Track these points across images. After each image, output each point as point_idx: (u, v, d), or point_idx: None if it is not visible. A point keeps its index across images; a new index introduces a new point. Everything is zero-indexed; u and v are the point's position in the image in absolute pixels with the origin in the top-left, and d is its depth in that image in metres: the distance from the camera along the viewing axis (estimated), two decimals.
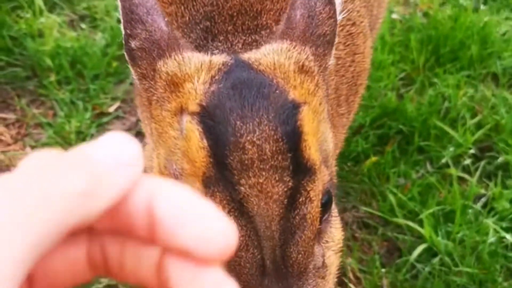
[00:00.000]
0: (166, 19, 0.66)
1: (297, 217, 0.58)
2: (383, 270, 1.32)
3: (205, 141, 0.59)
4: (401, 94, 1.69)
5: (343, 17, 0.71)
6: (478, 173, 1.48)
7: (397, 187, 1.44)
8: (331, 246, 0.65)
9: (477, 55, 1.74)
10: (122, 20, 0.66)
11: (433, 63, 1.74)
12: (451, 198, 1.40)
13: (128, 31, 0.66)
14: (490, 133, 1.58)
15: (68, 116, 1.59)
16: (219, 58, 0.64)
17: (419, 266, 1.31)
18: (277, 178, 0.57)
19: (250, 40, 0.75)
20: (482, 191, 1.45)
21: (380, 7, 1.20)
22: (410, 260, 1.31)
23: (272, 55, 0.64)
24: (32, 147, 1.56)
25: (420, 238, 1.35)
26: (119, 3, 0.66)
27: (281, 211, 0.57)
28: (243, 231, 0.57)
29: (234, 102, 0.59)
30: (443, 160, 1.50)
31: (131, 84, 1.59)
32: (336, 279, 0.68)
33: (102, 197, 0.24)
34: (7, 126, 1.61)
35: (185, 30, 0.78)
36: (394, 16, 1.89)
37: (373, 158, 1.49)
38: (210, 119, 0.59)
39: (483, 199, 1.44)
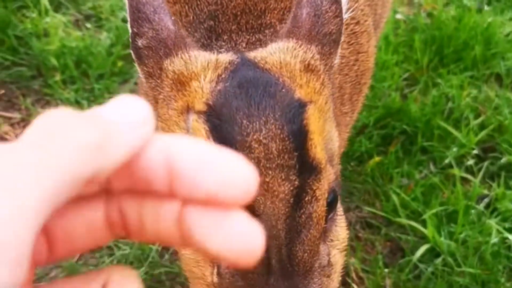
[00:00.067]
0: (173, 18, 0.66)
1: (303, 216, 0.58)
2: (386, 270, 1.32)
3: (211, 140, 0.59)
4: (405, 94, 1.69)
5: (345, 18, 0.71)
6: (481, 173, 1.48)
7: (400, 187, 1.44)
8: (336, 245, 0.65)
9: (480, 55, 1.74)
10: (129, 19, 0.66)
11: (436, 63, 1.74)
12: (454, 198, 1.40)
13: (135, 30, 0.66)
14: (494, 133, 1.58)
15: None
16: (226, 57, 0.65)
17: (422, 266, 1.32)
18: (283, 177, 0.57)
19: (254, 39, 0.75)
20: (485, 191, 1.45)
21: (384, 6, 1.20)
22: (413, 260, 1.31)
23: (278, 53, 0.65)
24: None
25: (423, 238, 1.35)
26: (126, 2, 0.66)
27: (287, 210, 0.58)
28: None
29: (240, 101, 0.59)
30: (447, 161, 1.50)
31: (136, 83, 1.59)
32: (340, 278, 0.68)
33: (114, 151, 0.25)
34: (12, 125, 1.62)
35: (189, 29, 0.79)
36: (398, 16, 1.89)
37: (377, 158, 1.50)
38: (217, 118, 0.59)
39: (486, 200, 1.44)
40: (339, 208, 0.68)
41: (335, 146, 0.69)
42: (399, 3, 1.94)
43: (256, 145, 0.58)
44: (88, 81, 1.69)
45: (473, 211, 1.40)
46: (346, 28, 0.91)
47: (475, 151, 1.53)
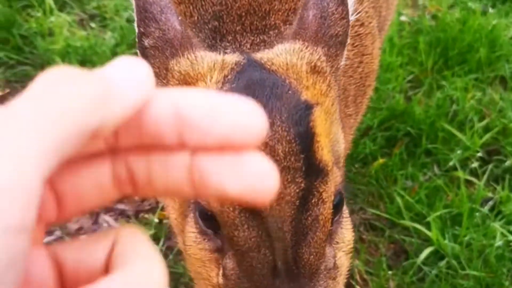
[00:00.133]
0: (179, 18, 0.66)
1: (309, 218, 0.58)
2: (389, 272, 1.31)
3: None
4: (409, 96, 1.69)
5: (351, 20, 0.71)
6: (485, 176, 1.48)
7: (404, 190, 1.44)
8: (341, 247, 0.65)
9: (485, 58, 1.73)
10: (135, 18, 0.66)
11: (441, 65, 1.74)
12: (459, 201, 1.40)
13: (141, 29, 0.66)
14: (498, 136, 1.58)
15: None
16: (232, 58, 0.64)
17: (426, 268, 1.31)
18: (289, 179, 0.57)
19: (258, 40, 0.75)
20: (490, 194, 1.45)
21: (389, 8, 1.20)
22: (417, 263, 1.31)
23: (285, 55, 0.64)
24: None
25: (427, 241, 1.35)
26: (133, 1, 0.66)
27: (293, 212, 0.57)
28: (255, 232, 0.57)
29: None
30: (451, 163, 1.50)
31: None
32: (345, 281, 0.68)
33: (116, 104, 0.25)
34: None
35: (194, 29, 0.78)
36: (403, 18, 1.89)
37: (381, 160, 1.49)
38: None
39: (491, 203, 1.44)
40: (345, 210, 0.67)
41: (341, 148, 0.69)
42: (404, 5, 1.94)
43: (262, 147, 0.57)
44: None
45: (477, 213, 1.39)
46: (351, 30, 0.91)
47: (479, 154, 1.53)
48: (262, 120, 0.26)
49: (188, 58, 0.65)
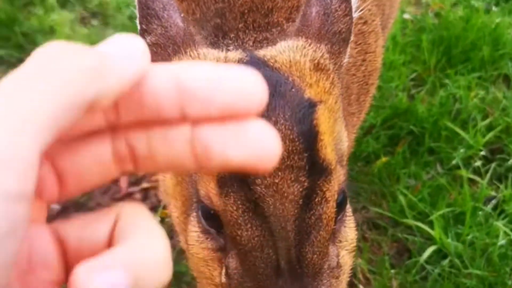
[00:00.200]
0: (182, 15, 0.65)
1: (312, 217, 0.58)
2: (392, 271, 1.31)
3: None
4: (412, 94, 1.68)
5: (355, 17, 0.70)
6: (488, 175, 1.47)
7: (407, 188, 1.43)
8: (345, 246, 0.64)
9: (488, 56, 1.73)
10: (138, 15, 0.66)
11: (444, 64, 1.73)
12: (462, 200, 1.39)
13: (143, 26, 0.65)
14: (501, 135, 1.57)
15: None
16: (235, 55, 0.64)
17: (428, 267, 1.31)
18: (292, 178, 0.57)
19: (261, 37, 0.75)
20: (493, 193, 1.44)
21: (392, 6, 1.19)
22: (420, 262, 1.31)
23: (288, 52, 0.64)
24: None
25: (430, 240, 1.35)
26: None
27: (296, 211, 0.57)
28: (258, 231, 0.57)
29: None
30: (454, 162, 1.49)
31: None
32: (348, 279, 0.68)
33: (112, 77, 0.25)
34: None
35: (196, 27, 0.78)
36: (406, 16, 1.88)
37: (384, 159, 1.49)
38: None
39: (494, 201, 1.43)
40: (348, 209, 0.67)
41: (345, 146, 0.68)
42: (407, 3, 1.93)
43: None
44: None
45: (480, 212, 1.39)
46: (354, 28, 0.90)
47: (482, 152, 1.52)
48: (263, 87, 0.27)
49: (190, 55, 0.64)
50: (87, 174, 0.28)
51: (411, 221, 1.37)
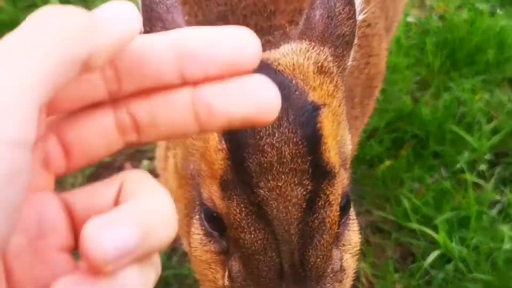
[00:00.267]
0: (186, 18, 0.65)
1: (316, 221, 0.57)
2: (396, 275, 1.30)
3: (223, 143, 0.58)
4: (416, 98, 1.67)
5: (359, 20, 0.70)
6: (493, 179, 1.47)
7: (411, 192, 1.43)
8: (348, 249, 0.64)
9: (493, 59, 1.72)
10: (141, 18, 0.66)
11: (448, 67, 1.72)
12: (466, 203, 1.39)
13: (147, 29, 0.65)
14: (506, 138, 1.56)
15: None
16: None
17: (433, 272, 1.30)
18: (296, 182, 0.57)
19: (263, 41, 0.75)
20: (498, 197, 1.44)
21: (396, 9, 1.19)
22: (424, 266, 1.30)
23: (291, 55, 0.64)
24: None
25: (434, 244, 1.34)
26: (139, 0, 0.66)
27: (299, 214, 0.57)
28: (261, 234, 0.57)
29: None
30: (458, 165, 1.49)
31: None
32: (351, 283, 0.67)
33: (104, 35, 0.26)
34: None
35: None
36: (410, 19, 1.88)
37: (387, 162, 1.48)
38: None
39: (498, 205, 1.42)
40: (352, 212, 0.67)
41: (348, 149, 0.68)
42: (411, 6, 1.92)
43: (269, 149, 0.57)
44: None
45: (485, 216, 1.38)
46: (358, 31, 0.90)
47: (487, 156, 1.51)
48: (257, 42, 0.28)
49: None
50: (92, 145, 0.29)
51: (415, 225, 1.36)
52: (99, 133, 0.29)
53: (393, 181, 1.46)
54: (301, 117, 0.58)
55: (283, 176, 0.57)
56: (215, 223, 0.61)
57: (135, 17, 0.27)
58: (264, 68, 0.62)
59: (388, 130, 1.56)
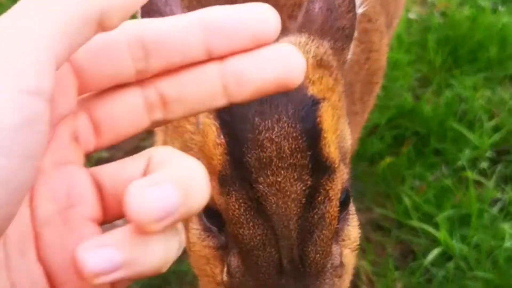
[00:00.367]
0: (185, 11, 0.65)
1: (315, 216, 0.57)
2: (396, 273, 1.30)
3: (222, 137, 0.57)
4: (418, 95, 1.67)
5: (358, 13, 0.70)
6: (494, 176, 1.46)
7: (412, 189, 1.42)
8: (348, 244, 0.64)
9: (495, 56, 1.71)
10: (140, 11, 0.65)
11: (450, 64, 1.72)
12: (467, 201, 1.38)
13: None
14: (508, 136, 1.55)
15: None
16: None
17: (433, 270, 1.30)
18: (295, 177, 0.56)
19: None
20: (499, 195, 1.43)
21: (397, 5, 1.18)
22: (425, 264, 1.29)
23: None
24: None
25: (435, 242, 1.33)
26: None
27: (299, 210, 0.56)
28: (260, 230, 0.56)
29: None
30: (459, 163, 1.48)
31: None
32: (351, 278, 0.67)
33: None
34: None
35: None
36: (411, 15, 1.87)
37: (388, 159, 1.48)
38: (228, 115, 0.58)
39: (500, 203, 1.42)
40: (351, 207, 0.66)
41: (348, 144, 0.67)
42: (412, 2, 1.92)
43: (268, 144, 0.56)
44: None
45: (486, 214, 1.37)
46: (358, 26, 0.89)
47: (488, 154, 1.51)
48: (277, 16, 0.30)
49: None
50: (121, 123, 0.30)
51: (415, 223, 1.36)
52: (128, 110, 0.30)
53: (394, 178, 1.45)
54: (301, 111, 0.57)
55: (282, 171, 0.56)
56: (214, 218, 0.61)
57: None
58: None
59: (389, 127, 1.55)
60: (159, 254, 0.25)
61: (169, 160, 0.27)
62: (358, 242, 0.65)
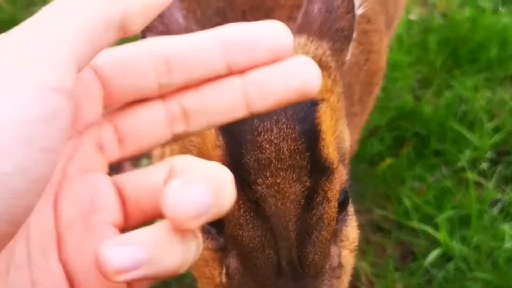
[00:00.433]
0: (184, 13, 0.65)
1: (314, 217, 0.57)
2: (396, 274, 1.30)
3: (221, 139, 0.57)
4: (418, 96, 1.67)
5: (357, 14, 0.70)
6: (494, 177, 1.46)
7: (412, 190, 1.42)
8: (346, 245, 0.64)
9: (495, 57, 1.71)
10: None
11: (450, 64, 1.71)
12: (467, 202, 1.38)
13: None
14: (508, 137, 1.55)
15: None
16: None
17: (433, 271, 1.29)
18: (294, 178, 0.56)
19: None
20: (499, 196, 1.43)
21: (397, 6, 1.18)
22: (425, 265, 1.29)
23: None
24: None
25: (435, 243, 1.33)
26: None
27: (298, 211, 0.56)
28: (259, 231, 0.56)
29: None
30: (460, 164, 1.48)
31: None
32: (349, 279, 0.67)
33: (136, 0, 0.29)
34: None
35: (197, 26, 0.77)
36: (412, 16, 1.87)
37: (388, 160, 1.47)
38: None
39: (500, 204, 1.41)
40: (350, 208, 0.66)
41: (347, 145, 0.67)
42: (413, 3, 1.91)
43: (267, 145, 0.56)
44: None
45: (486, 215, 1.37)
46: (357, 27, 0.89)
47: (488, 155, 1.50)
48: (289, 31, 0.31)
49: None
50: (144, 135, 0.31)
51: (415, 224, 1.36)
52: (151, 124, 0.31)
53: (394, 180, 1.45)
54: (299, 113, 0.57)
55: (281, 173, 0.56)
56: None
57: None
58: None
59: (389, 128, 1.55)
60: (179, 255, 0.26)
61: (193, 165, 0.28)
62: (356, 243, 0.65)
